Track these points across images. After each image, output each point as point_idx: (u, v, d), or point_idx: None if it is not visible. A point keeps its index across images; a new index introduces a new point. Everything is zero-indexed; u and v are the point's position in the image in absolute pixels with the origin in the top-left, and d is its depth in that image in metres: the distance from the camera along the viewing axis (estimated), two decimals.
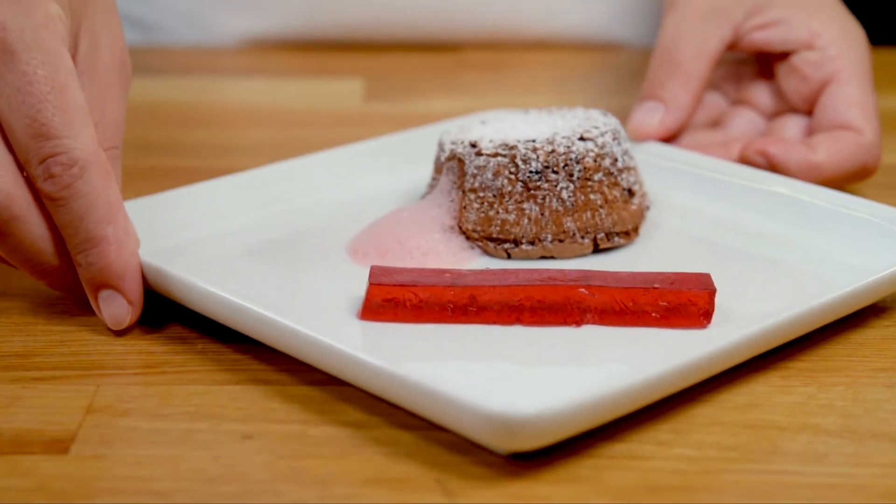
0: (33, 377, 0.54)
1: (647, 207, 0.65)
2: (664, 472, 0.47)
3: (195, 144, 0.87)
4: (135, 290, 0.56)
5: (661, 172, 0.70)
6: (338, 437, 0.49)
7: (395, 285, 0.55)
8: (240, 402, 0.52)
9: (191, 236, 0.63)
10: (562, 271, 0.56)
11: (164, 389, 0.53)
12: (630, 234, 0.63)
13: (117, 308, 0.56)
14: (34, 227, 0.55)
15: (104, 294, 0.56)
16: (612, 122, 0.64)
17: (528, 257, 0.62)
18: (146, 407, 0.52)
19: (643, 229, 0.64)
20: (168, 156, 0.84)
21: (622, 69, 1.04)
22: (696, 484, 0.47)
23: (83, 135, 0.54)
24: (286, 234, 0.65)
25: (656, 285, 0.54)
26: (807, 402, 0.52)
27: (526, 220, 0.61)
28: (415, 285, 0.55)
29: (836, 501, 0.46)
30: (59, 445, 0.49)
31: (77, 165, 0.54)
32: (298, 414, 0.50)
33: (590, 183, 0.62)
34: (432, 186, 0.66)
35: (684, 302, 0.54)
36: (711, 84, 0.77)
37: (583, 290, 0.54)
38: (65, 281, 0.57)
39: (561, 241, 0.62)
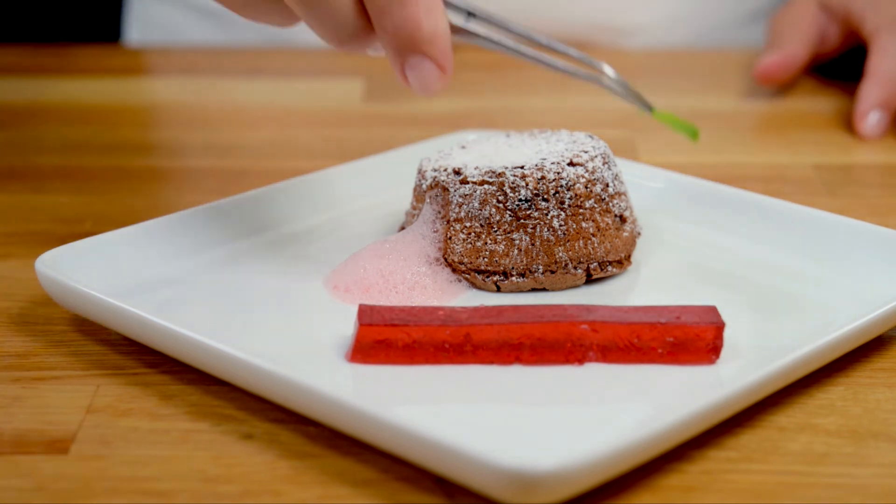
0: (33, 377, 0.54)
1: (639, 234, 0.63)
2: (664, 472, 0.47)
3: (195, 144, 0.87)
4: (446, 54, 0.51)
5: (645, 195, 0.68)
6: (338, 438, 0.49)
7: (386, 325, 0.52)
8: (240, 402, 0.52)
9: (155, 273, 0.60)
10: (562, 307, 0.53)
11: (163, 389, 0.53)
12: (623, 262, 0.61)
13: (427, 74, 0.51)
14: None
15: (412, 60, 0.51)
16: (601, 144, 0.62)
17: (518, 290, 0.60)
18: (146, 407, 0.52)
19: (634, 257, 0.62)
20: (168, 156, 0.84)
21: (623, 70, 1.04)
22: (696, 484, 0.47)
23: None
24: (257, 269, 0.61)
25: (662, 320, 0.52)
26: (807, 402, 0.52)
27: (516, 251, 0.59)
28: (407, 325, 0.52)
29: (836, 501, 0.46)
30: (59, 445, 0.49)
31: None
32: (298, 414, 0.50)
33: (581, 210, 0.59)
34: (413, 216, 0.63)
35: (692, 337, 0.52)
36: None
37: (584, 326, 0.52)
38: (363, 45, 0.52)
39: (553, 272, 0.59)
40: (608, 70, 0.53)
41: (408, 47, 0.50)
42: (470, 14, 0.54)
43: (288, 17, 0.52)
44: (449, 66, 0.51)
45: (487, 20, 0.54)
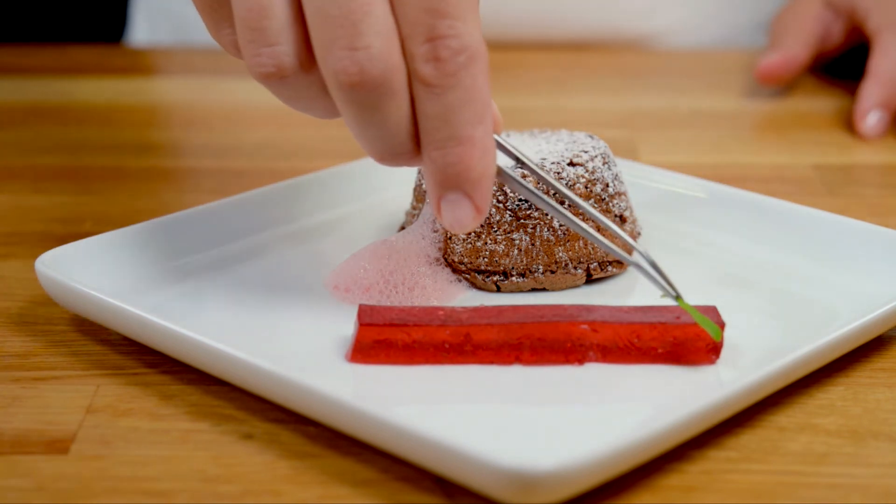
0: (33, 377, 0.54)
1: (639, 234, 0.63)
2: (664, 472, 0.47)
3: (195, 144, 0.87)
4: (486, 198, 0.49)
5: (645, 195, 0.68)
6: (338, 438, 0.49)
7: (386, 325, 0.52)
8: (240, 402, 0.52)
9: (155, 273, 0.60)
10: (562, 307, 0.53)
11: (164, 389, 0.53)
12: (623, 262, 0.61)
13: (463, 213, 0.49)
14: (402, 108, 0.48)
15: (451, 196, 0.49)
16: (601, 145, 0.62)
17: (518, 290, 0.60)
18: (146, 407, 0.52)
19: (634, 257, 0.62)
20: (168, 156, 0.84)
21: (623, 70, 1.04)
22: (696, 484, 0.47)
23: (476, 23, 0.48)
24: (257, 269, 0.62)
25: (662, 320, 0.52)
26: (807, 402, 0.52)
27: (516, 251, 0.59)
28: (407, 325, 0.52)
29: (836, 501, 0.46)
30: (59, 445, 0.49)
31: (465, 53, 0.47)
32: (298, 414, 0.50)
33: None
34: (413, 216, 0.63)
35: (692, 337, 0.52)
36: None
37: (584, 326, 0.52)
38: (405, 164, 0.51)
39: (553, 272, 0.60)
40: (642, 249, 0.53)
41: (452, 184, 0.49)
42: (519, 162, 0.54)
43: (333, 114, 0.51)
44: (486, 208, 0.50)
45: (534, 172, 0.54)
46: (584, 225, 0.53)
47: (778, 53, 0.93)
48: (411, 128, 0.49)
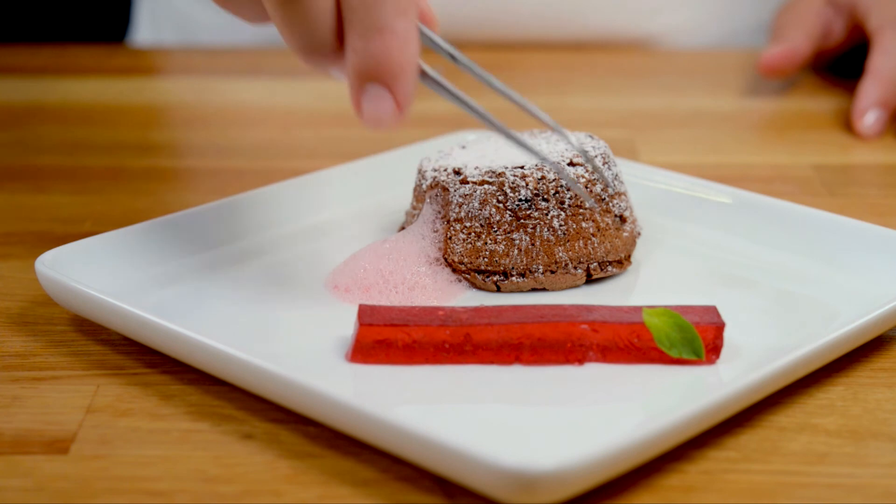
0: (33, 377, 0.54)
1: (639, 234, 0.63)
2: (664, 472, 0.47)
3: (195, 144, 0.87)
4: (407, 92, 0.49)
5: (645, 195, 0.68)
6: (338, 438, 0.49)
7: (386, 325, 0.52)
8: (240, 402, 0.52)
9: (155, 273, 0.60)
10: (562, 307, 0.53)
11: (163, 389, 0.53)
12: (623, 262, 0.61)
13: (383, 108, 0.49)
14: (325, 0, 0.48)
15: (372, 89, 0.49)
16: (601, 145, 0.62)
17: (518, 290, 0.60)
18: (146, 407, 0.52)
19: (634, 257, 0.62)
20: (168, 156, 0.84)
21: (623, 70, 1.04)
22: (696, 484, 0.47)
23: None
24: (257, 269, 0.62)
25: None
26: (807, 402, 0.52)
27: (516, 251, 0.59)
28: (407, 325, 0.52)
29: (836, 501, 0.46)
30: (59, 445, 0.49)
31: None
32: (298, 414, 0.50)
33: (581, 210, 0.59)
34: (413, 216, 0.63)
35: None
36: None
37: (584, 326, 0.52)
38: (328, 62, 0.50)
39: (553, 272, 0.60)
40: (573, 139, 0.52)
41: (371, 76, 0.49)
42: (453, 57, 0.53)
43: (259, 14, 0.51)
44: (407, 105, 0.49)
45: (469, 68, 0.53)
46: (511, 131, 0.52)
47: (780, 46, 0.93)
48: (334, 22, 0.49)
